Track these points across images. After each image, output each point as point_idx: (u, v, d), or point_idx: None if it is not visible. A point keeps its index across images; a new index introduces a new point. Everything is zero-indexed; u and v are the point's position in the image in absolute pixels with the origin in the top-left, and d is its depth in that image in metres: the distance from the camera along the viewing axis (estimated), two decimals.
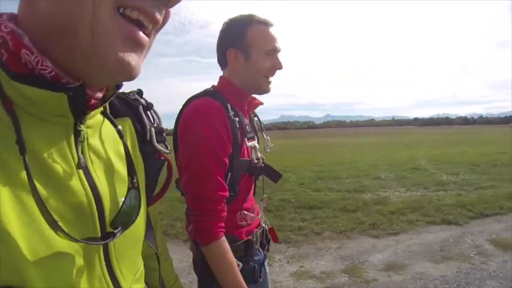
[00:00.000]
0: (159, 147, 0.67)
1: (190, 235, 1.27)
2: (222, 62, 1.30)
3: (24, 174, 0.40)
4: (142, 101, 0.69)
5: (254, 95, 1.34)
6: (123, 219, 0.52)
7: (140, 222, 0.61)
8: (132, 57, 0.44)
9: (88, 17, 0.40)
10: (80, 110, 0.47)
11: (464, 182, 7.27)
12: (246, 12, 1.27)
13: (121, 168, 0.57)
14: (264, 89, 1.29)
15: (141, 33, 0.45)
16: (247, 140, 1.24)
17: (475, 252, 3.76)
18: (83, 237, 0.46)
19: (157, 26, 0.48)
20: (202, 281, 1.30)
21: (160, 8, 0.46)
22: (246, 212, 1.29)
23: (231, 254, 1.14)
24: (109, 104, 0.60)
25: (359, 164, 10.79)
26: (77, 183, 0.48)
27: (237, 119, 1.19)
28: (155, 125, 0.68)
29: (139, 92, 0.70)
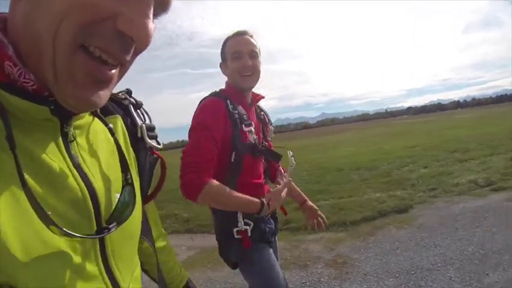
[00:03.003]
0: (151, 142, 0.67)
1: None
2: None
3: (15, 170, 0.40)
4: (132, 99, 0.70)
5: (256, 92, 1.68)
6: (118, 215, 0.53)
7: (136, 218, 0.61)
8: (92, 93, 0.43)
9: (49, 52, 0.40)
10: (64, 116, 0.48)
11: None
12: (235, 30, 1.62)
13: (114, 165, 0.57)
14: (241, 85, 1.58)
15: (104, 69, 0.43)
16: (244, 126, 1.51)
17: None
18: (78, 233, 0.45)
19: (125, 64, 0.47)
20: (224, 243, 1.58)
21: (127, 49, 0.44)
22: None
23: (223, 186, 1.39)
24: None
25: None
26: (72, 181, 0.48)
27: (236, 111, 1.50)
28: (146, 122, 0.69)
29: (128, 91, 0.71)
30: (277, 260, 1.62)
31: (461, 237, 3.73)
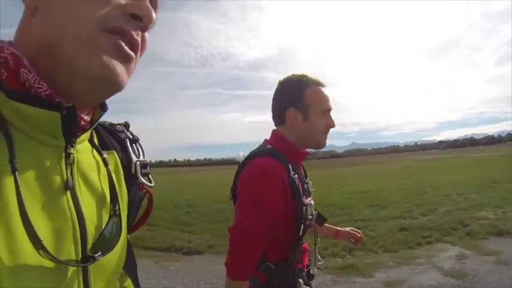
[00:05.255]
0: (143, 180, 0.67)
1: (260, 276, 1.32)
2: (280, 119, 1.43)
3: (14, 192, 0.41)
4: (129, 134, 0.72)
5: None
6: (104, 244, 0.53)
7: (121, 250, 0.62)
8: (117, 64, 0.47)
9: (71, 34, 0.45)
10: (71, 131, 0.49)
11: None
12: (299, 72, 1.44)
13: (105, 195, 0.58)
14: (321, 145, 1.44)
15: (125, 46, 0.49)
16: (305, 197, 1.35)
17: None
18: (63, 259, 0.46)
19: (137, 46, 0.51)
20: None
21: (136, 28, 0.50)
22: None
23: None
24: (97, 134, 0.64)
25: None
26: (63, 205, 0.48)
27: (297, 176, 1.31)
28: (140, 159, 0.69)
29: (126, 125, 0.73)
30: None
31: None
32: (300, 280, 1.34)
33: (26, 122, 0.46)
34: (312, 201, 1.40)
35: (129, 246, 0.70)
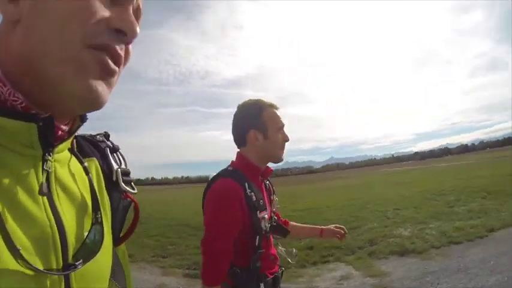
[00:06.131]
0: (125, 187, 0.66)
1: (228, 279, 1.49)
2: (240, 141, 1.63)
3: None
4: (109, 143, 0.71)
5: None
6: (85, 252, 0.52)
7: (105, 259, 0.60)
8: (99, 84, 0.47)
9: (56, 51, 0.44)
10: (49, 141, 0.49)
11: None
12: (254, 98, 1.67)
13: (87, 203, 0.57)
14: (281, 159, 1.64)
15: (110, 62, 0.48)
16: (259, 212, 1.51)
17: None
18: (43, 267, 0.45)
19: (120, 61, 0.51)
20: None
21: (120, 43, 0.50)
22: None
23: None
24: (77, 144, 0.63)
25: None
26: (42, 214, 0.47)
27: (253, 193, 1.48)
28: (122, 167, 0.68)
29: (106, 135, 0.72)
30: None
31: None
32: (261, 284, 1.52)
33: (1, 134, 0.45)
34: (266, 215, 1.56)
35: (115, 255, 0.68)
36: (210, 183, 1.58)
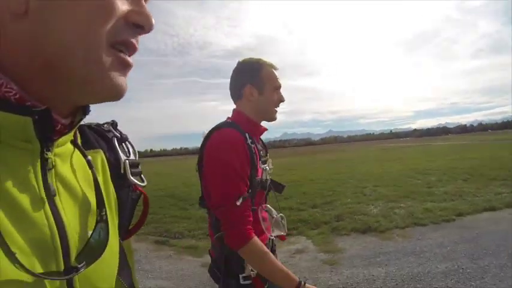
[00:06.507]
0: (134, 180, 0.63)
1: (217, 243, 1.47)
2: (237, 95, 1.61)
3: None
4: (117, 132, 0.67)
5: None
6: (89, 253, 0.49)
7: (110, 257, 0.57)
8: (122, 80, 0.48)
9: (80, 54, 0.43)
10: (46, 135, 0.46)
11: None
12: (255, 57, 1.64)
13: (90, 200, 0.53)
14: (274, 117, 1.63)
15: (127, 56, 0.49)
16: (262, 163, 1.54)
17: None
18: (44, 271, 0.42)
19: (135, 52, 0.51)
20: (224, 282, 1.49)
21: (137, 36, 0.50)
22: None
23: (265, 248, 1.37)
24: (81, 134, 0.59)
25: None
26: (41, 215, 0.44)
27: (254, 145, 1.48)
28: (130, 158, 0.65)
29: (114, 123, 0.69)
30: None
31: None
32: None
33: None
34: (267, 167, 1.57)
35: (122, 251, 0.64)
36: (208, 136, 1.52)
